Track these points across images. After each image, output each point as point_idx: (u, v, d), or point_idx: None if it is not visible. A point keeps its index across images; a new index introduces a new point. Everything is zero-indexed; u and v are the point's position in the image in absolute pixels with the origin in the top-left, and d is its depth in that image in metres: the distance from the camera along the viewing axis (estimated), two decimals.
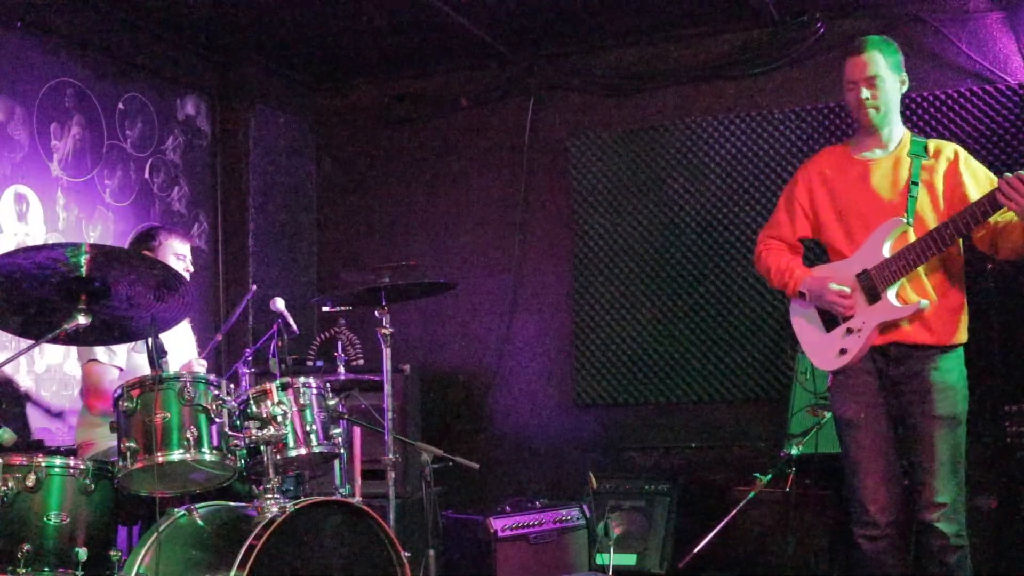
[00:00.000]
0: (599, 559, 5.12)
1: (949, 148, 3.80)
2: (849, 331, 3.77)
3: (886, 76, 3.76)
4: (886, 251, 3.72)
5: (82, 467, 3.39)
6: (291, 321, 4.45)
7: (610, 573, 5.07)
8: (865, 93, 3.77)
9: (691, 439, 5.82)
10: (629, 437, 6.00)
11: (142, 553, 3.41)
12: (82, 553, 3.29)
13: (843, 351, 3.78)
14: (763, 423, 5.60)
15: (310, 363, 5.55)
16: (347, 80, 6.68)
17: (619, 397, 6.04)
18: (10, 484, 3.27)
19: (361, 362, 5.70)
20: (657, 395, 5.96)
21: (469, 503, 5.52)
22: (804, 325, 3.94)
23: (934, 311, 3.69)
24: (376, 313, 4.51)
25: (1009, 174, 3.48)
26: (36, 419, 5.01)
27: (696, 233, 5.93)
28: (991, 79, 5.43)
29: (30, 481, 3.28)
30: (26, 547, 3.25)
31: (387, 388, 4.46)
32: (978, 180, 3.74)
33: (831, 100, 5.68)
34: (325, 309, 5.79)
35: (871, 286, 3.73)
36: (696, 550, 4.96)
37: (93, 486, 3.39)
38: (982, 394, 5.14)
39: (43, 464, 3.33)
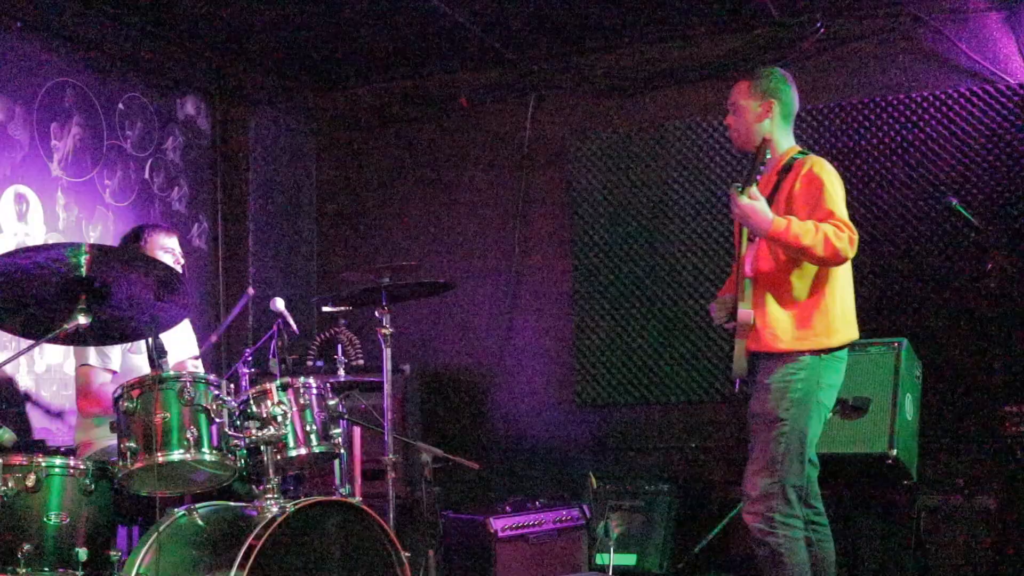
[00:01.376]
0: (599, 559, 5.12)
1: (806, 163, 3.90)
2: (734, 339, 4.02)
3: (742, 104, 4.03)
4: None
5: (82, 467, 3.38)
6: (291, 321, 4.44)
7: (610, 573, 5.07)
8: (727, 119, 4.10)
9: (691, 439, 5.82)
10: (629, 437, 6.00)
11: (142, 553, 3.40)
12: (82, 553, 3.29)
13: (731, 359, 4.02)
14: None
15: (310, 363, 5.56)
16: (347, 80, 6.68)
17: (619, 397, 6.04)
18: (10, 484, 3.27)
19: (361, 362, 5.70)
20: (657, 395, 5.96)
21: (469, 503, 5.52)
22: None
23: (760, 320, 3.85)
24: (376, 313, 4.51)
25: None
26: (36, 419, 5.01)
27: (696, 233, 5.93)
28: (991, 79, 5.43)
29: (30, 481, 3.28)
30: (26, 547, 3.24)
31: (387, 388, 4.46)
32: (808, 194, 3.82)
33: (831, 100, 5.68)
34: (325, 309, 5.79)
35: (736, 299, 3.97)
36: (696, 550, 4.97)
37: (93, 486, 3.38)
38: (982, 394, 5.16)
39: (43, 464, 3.33)
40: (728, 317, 4.00)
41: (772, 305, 3.84)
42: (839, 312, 3.86)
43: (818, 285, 3.84)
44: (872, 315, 5.48)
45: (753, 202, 3.74)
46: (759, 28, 5.85)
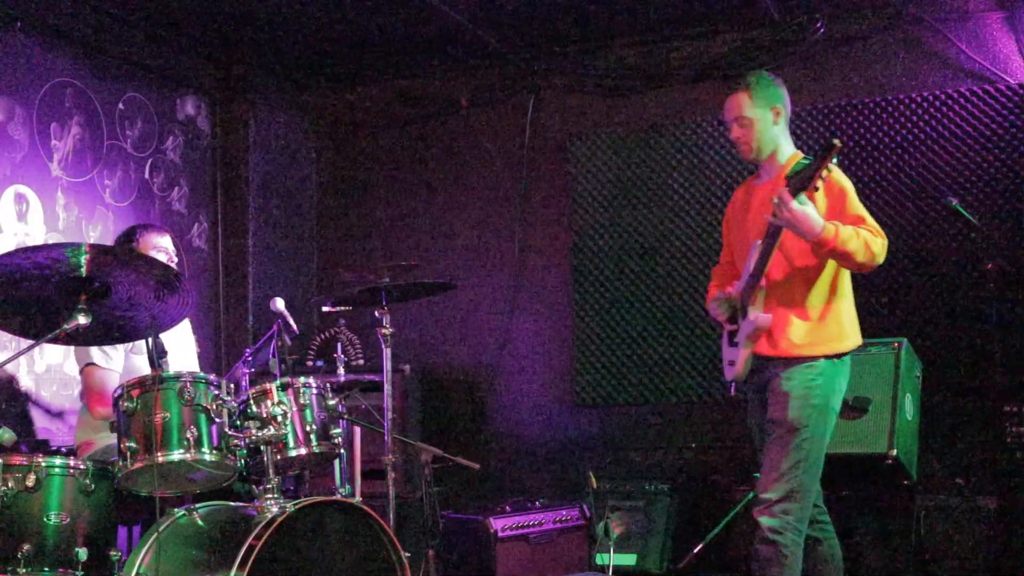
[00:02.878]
0: (599, 559, 5.12)
1: None
2: (735, 344, 3.97)
3: (752, 115, 3.97)
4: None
5: (82, 467, 3.38)
6: (291, 321, 4.44)
7: (610, 573, 5.07)
8: (736, 133, 4.02)
9: (691, 439, 5.82)
10: (629, 437, 6.00)
11: (142, 553, 3.40)
12: (82, 553, 3.29)
13: (732, 363, 4.00)
14: None
15: (310, 363, 5.56)
16: (347, 80, 6.68)
17: (619, 397, 6.04)
18: (10, 484, 3.26)
19: (361, 362, 5.71)
20: (657, 395, 5.96)
21: (469, 503, 5.52)
22: (723, 341, 4.12)
23: (776, 325, 3.83)
24: (376, 313, 4.51)
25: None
26: (36, 419, 5.01)
27: (695, 233, 5.93)
28: (991, 79, 5.43)
29: (30, 481, 3.28)
30: (26, 547, 3.24)
31: (387, 388, 4.47)
32: (832, 204, 3.81)
33: (831, 100, 5.68)
34: (325, 309, 5.79)
35: (742, 303, 3.92)
36: (696, 550, 4.97)
37: (93, 486, 3.38)
38: (982, 394, 5.16)
39: (43, 464, 3.33)
40: (731, 317, 3.99)
41: (786, 311, 3.83)
42: (849, 317, 3.89)
43: (830, 291, 3.85)
44: (872, 315, 5.49)
45: (805, 207, 3.66)
46: (759, 28, 5.85)
